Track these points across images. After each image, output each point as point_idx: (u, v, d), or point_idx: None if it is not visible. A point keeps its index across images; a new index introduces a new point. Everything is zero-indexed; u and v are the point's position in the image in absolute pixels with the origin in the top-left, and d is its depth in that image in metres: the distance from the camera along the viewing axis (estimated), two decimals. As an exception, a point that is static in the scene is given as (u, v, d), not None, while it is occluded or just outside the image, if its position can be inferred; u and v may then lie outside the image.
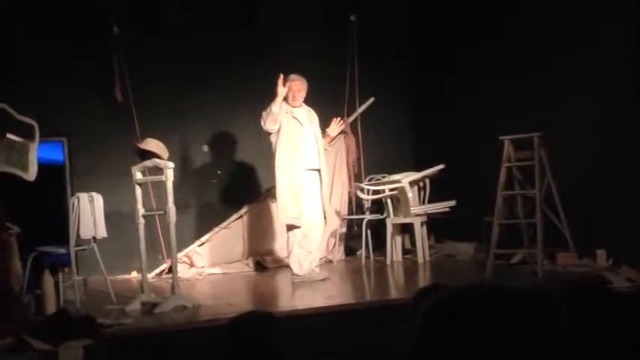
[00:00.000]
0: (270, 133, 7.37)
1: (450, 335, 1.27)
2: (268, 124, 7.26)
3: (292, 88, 7.41)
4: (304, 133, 7.43)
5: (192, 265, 8.61)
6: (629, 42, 6.96)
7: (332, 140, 8.11)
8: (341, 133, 9.14)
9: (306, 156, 7.42)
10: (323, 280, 7.39)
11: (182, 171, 8.48)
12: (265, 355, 3.02)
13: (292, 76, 7.46)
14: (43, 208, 8.37)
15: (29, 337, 4.81)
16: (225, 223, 8.91)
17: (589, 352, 1.63)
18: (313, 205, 7.45)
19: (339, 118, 7.87)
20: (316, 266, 7.57)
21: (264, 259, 8.71)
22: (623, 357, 1.62)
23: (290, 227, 7.41)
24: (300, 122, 7.41)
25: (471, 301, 1.29)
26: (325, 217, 7.63)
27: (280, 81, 7.21)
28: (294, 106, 7.46)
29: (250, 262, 8.69)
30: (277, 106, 7.23)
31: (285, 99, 7.40)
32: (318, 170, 7.50)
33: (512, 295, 1.30)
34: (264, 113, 7.28)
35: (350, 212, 9.27)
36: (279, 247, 8.53)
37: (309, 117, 7.55)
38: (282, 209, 7.41)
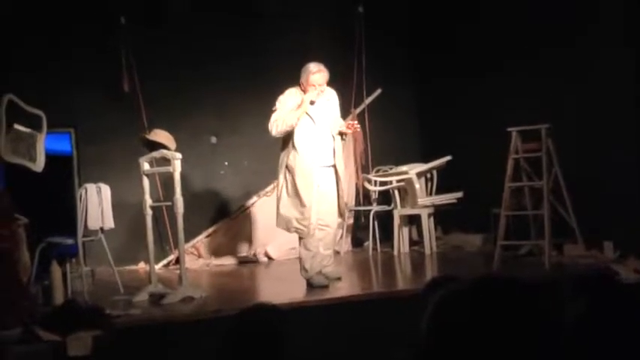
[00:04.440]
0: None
1: (462, 326, 1.27)
2: (281, 132, 6.42)
3: (313, 83, 6.40)
4: (316, 129, 6.48)
5: (199, 256, 8.63)
6: (635, 30, 6.92)
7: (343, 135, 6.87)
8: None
9: (319, 153, 6.48)
10: (338, 279, 6.80)
11: (189, 162, 8.48)
12: (270, 347, 3.03)
13: (311, 68, 6.44)
14: (51, 199, 8.39)
15: (37, 328, 4.82)
16: (232, 215, 8.92)
17: (599, 344, 1.63)
18: (326, 204, 6.58)
19: (356, 122, 6.93)
20: (327, 265, 6.72)
21: (270, 251, 8.72)
22: (632, 350, 1.61)
23: None
24: (312, 118, 6.46)
25: (483, 293, 1.29)
26: (343, 215, 6.87)
27: (311, 96, 6.37)
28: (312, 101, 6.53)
29: (257, 253, 8.70)
30: (296, 119, 6.36)
31: (303, 91, 6.49)
32: (333, 166, 6.60)
33: (524, 287, 1.30)
34: (275, 118, 6.41)
35: (357, 203, 9.26)
36: (286, 238, 8.51)
37: (326, 107, 6.60)
38: (280, 214, 6.54)
